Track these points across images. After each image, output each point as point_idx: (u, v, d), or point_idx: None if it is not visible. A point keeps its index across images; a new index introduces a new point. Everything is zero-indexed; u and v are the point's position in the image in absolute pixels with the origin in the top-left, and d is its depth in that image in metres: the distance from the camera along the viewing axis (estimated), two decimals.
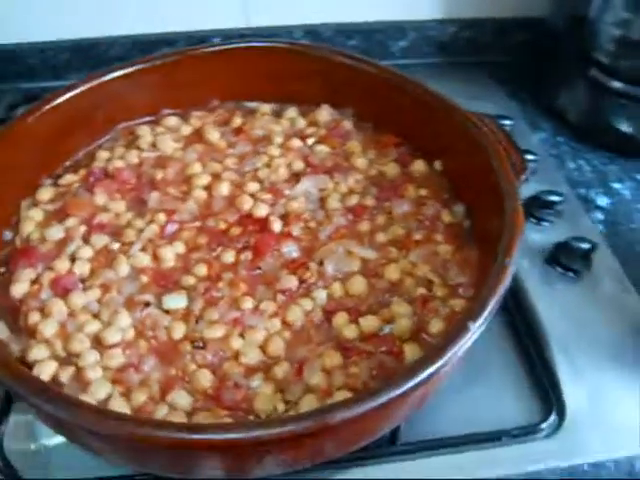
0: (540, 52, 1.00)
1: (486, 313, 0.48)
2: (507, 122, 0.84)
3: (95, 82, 0.71)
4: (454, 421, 0.59)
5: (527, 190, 0.76)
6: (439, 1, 1.04)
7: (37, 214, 0.66)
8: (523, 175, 0.63)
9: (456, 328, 0.48)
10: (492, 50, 1.05)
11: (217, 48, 0.77)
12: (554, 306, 0.68)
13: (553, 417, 0.60)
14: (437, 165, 0.70)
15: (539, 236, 0.75)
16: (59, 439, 0.59)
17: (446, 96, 0.68)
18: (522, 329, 0.67)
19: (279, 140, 0.73)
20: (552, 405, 0.61)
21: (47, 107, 0.68)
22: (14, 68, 1.05)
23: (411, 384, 0.45)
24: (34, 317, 0.57)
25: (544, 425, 0.59)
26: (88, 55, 1.05)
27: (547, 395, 0.62)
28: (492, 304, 0.49)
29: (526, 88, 1.00)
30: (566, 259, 0.71)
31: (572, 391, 0.61)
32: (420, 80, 0.71)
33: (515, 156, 0.63)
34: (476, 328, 0.48)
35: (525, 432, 0.59)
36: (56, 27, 1.02)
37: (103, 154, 0.72)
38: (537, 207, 0.76)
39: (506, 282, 0.51)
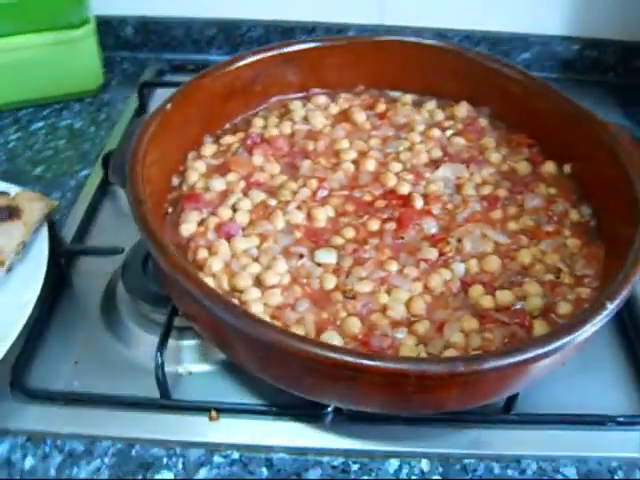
0: None
1: (622, 295, 0.53)
2: None
3: (259, 56, 0.78)
4: (562, 403, 0.64)
5: None
6: (567, 19, 1.08)
7: (201, 166, 0.73)
8: None
9: (593, 307, 0.53)
10: (614, 71, 1.09)
11: (370, 39, 0.84)
12: None
13: None
14: (566, 168, 0.74)
15: None
16: (201, 367, 0.67)
17: (584, 106, 0.73)
18: (635, 339, 0.71)
19: (421, 128, 0.78)
20: None
21: (217, 73, 0.76)
22: (160, 39, 1.15)
23: (551, 347, 0.50)
24: (203, 253, 0.63)
25: None
26: (230, 34, 1.13)
27: None
28: (627, 289, 0.54)
29: None
30: None
31: None
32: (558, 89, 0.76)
33: None
34: (613, 308, 0.52)
35: (630, 421, 0.63)
36: (204, 5, 1.11)
37: (258, 121, 0.79)
38: None
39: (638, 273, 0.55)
